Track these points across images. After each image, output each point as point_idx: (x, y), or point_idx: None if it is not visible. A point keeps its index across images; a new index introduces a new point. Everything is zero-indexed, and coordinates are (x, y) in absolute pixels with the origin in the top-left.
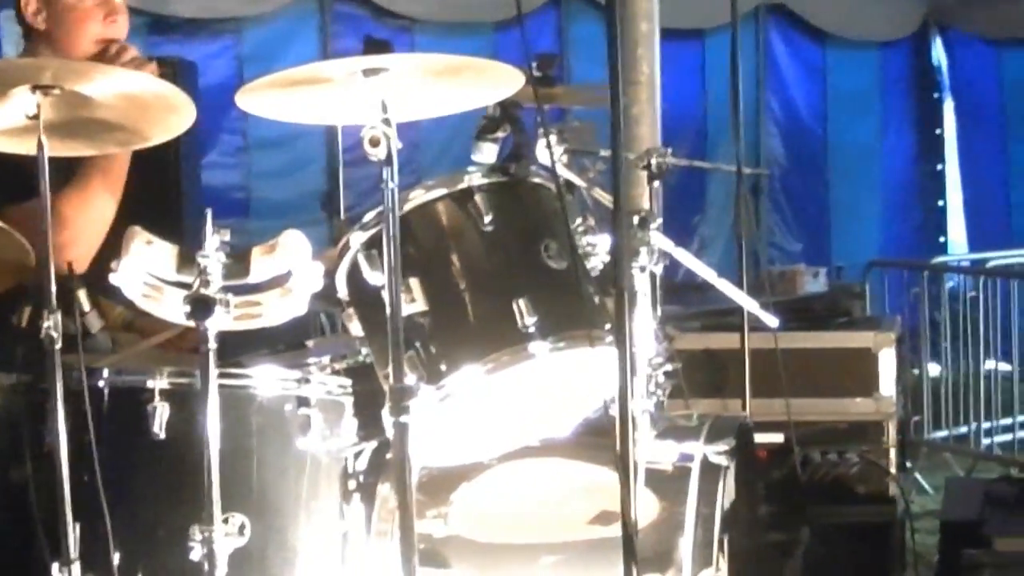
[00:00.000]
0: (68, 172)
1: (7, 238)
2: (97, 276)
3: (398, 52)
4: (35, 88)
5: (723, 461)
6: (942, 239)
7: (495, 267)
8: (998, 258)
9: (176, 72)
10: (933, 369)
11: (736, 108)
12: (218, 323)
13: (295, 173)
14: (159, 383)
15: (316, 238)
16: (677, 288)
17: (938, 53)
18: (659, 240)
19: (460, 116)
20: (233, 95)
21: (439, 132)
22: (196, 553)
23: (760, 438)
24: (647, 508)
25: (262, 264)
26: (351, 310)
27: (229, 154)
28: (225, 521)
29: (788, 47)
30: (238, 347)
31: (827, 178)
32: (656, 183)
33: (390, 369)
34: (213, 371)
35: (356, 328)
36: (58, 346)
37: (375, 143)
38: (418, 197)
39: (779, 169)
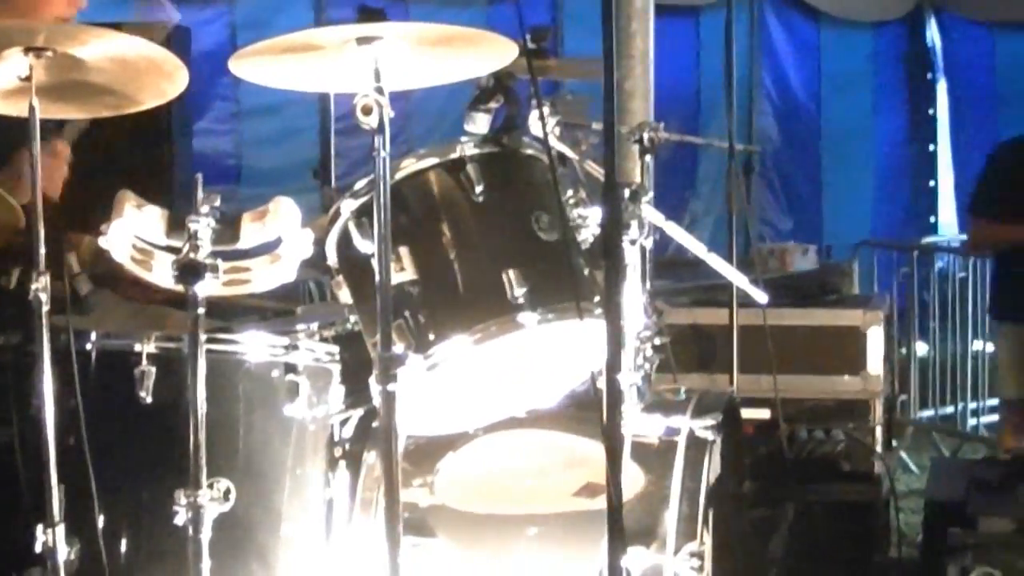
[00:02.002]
0: None
1: None
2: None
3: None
4: (28, 50)
5: (709, 436)
6: (932, 219)
7: (485, 237)
8: None
9: (169, 37)
10: (921, 349)
11: (730, 85)
12: (207, 288)
13: (287, 141)
14: (147, 347)
15: (307, 206)
16: (667, 263)
17: (932, 34)
18: (650, 214)
19: (452, 88)
20: (226, 62)
21: (431, 103)
22: (181, 517)
23: (747, 414)
24: (633, 481)
25: (252, 230)
26: (340, 278)
27: (221, 121)
28: (210, 486)
29: (783, 25)
30: (227, 313)
31: (819, 157)
32: (648, 157)
33: (378, 337)
34: (201, 336)
35: (345, 296)
36: (46, 308)
37: (367, 111)
38: (410, 166)
39: (771, 147)
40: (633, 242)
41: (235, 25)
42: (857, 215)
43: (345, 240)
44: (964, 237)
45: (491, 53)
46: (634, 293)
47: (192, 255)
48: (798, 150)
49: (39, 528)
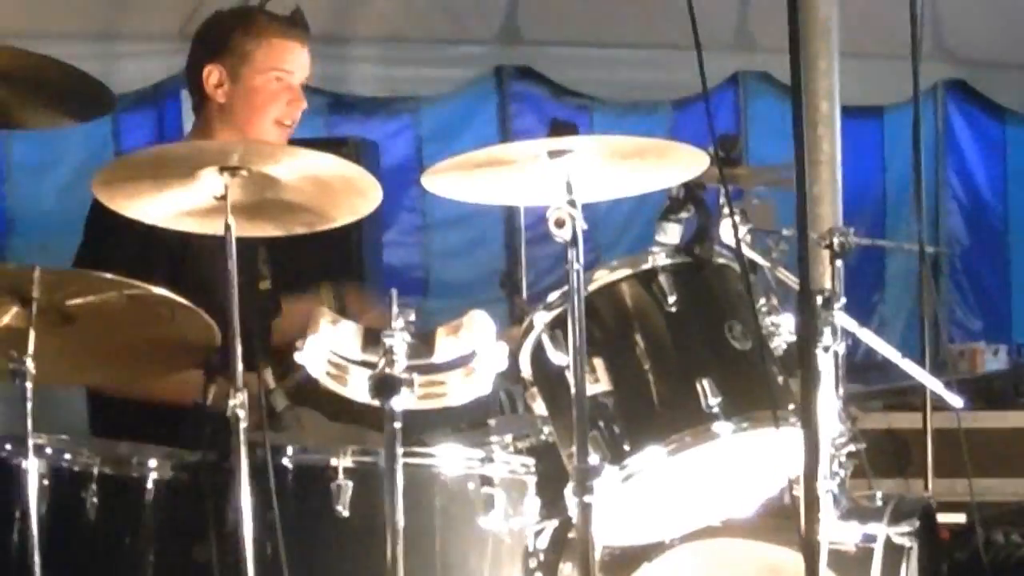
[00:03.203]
0: None
1: (193, 317)
2: (283, 355)
3: (579, 132)
4: (223, 170)
5: (906, 542)
6: None
7: (679, 347)
8: None
9: (359, 152)
10: None
11: (918, 185)
12: (403, 403)
13: (474, 252)
14: (343, 461)
15: (495, 317)
16: (857, 366)
17: None
18: (843, 320)
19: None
20: (412, 174)
21: (618, 210)
22: None
23: (942, 519)
24: None
25: (447, 344)
26: (534, 389)
27: (408, 233)
28: None
29: (968, 123)
30: (420, 424)
31: (1007, 255)
32: (838, 263)
33: (574, 449)
34: (398, 450)
35: (539, 407)
36: (244, 424)
37: (560, 224)
38: (602, 277)
39: (959, 246)
40: (826, 348)
41: (421, 137)
42: None
43: (539, 352)
44: None
45: (682, 163)
46: (828, 399)
47: (388, 370)
48: (985, 249)
49: None
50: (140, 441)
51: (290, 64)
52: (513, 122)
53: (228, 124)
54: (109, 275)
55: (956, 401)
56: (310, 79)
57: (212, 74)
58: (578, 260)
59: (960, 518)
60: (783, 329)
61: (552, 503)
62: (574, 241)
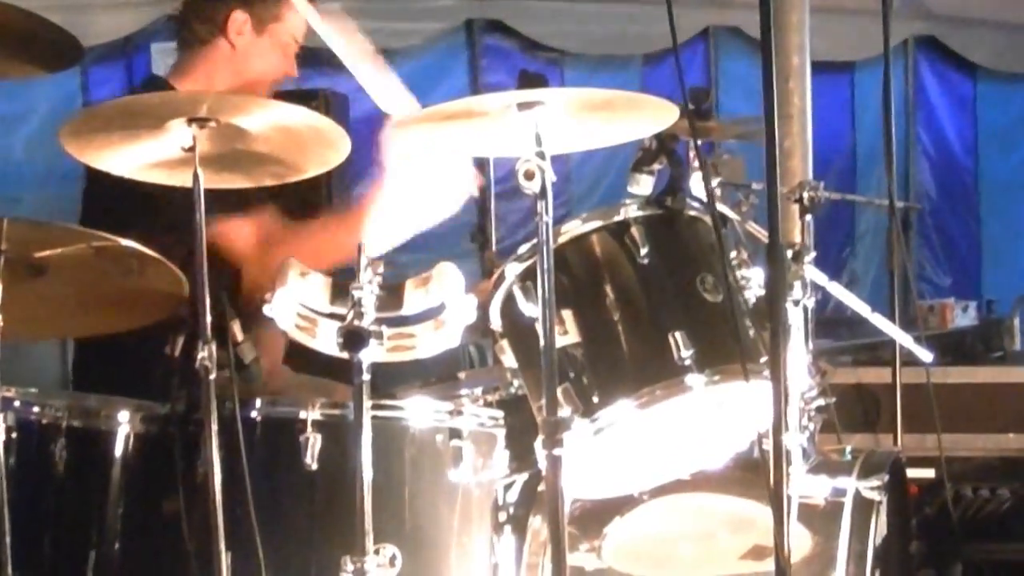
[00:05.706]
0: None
1: (162, 269)
2: (251, 307)
3: (550, 86)
4: (191, 121)
5: (876, 496)
6: None
7: (650, 300)
8: None
9: (328, 104)
10: None
11: (889, 141)
12: (371, 355)
13: None
14: (312, 414)
15: (465, 270)
16: (826, 321)
17: None
18: (813, 274)
19: (611, 148)
20: (382, 126)
21: (590, 163)
22: None
23: (911, 473)
24: (799, 543)
25: (416, 297)
26: (504, 342)
27: None
28: (376, 552)
29: (938, 80)
30: (390, 379)
31: (977, 211)
32: (808, 217)
33: (544, 401)
34: (366, 403)
35: (509, 360)
36: (212, 376)
37: (530, 176)
38: (574, 229)
39: (929, 202)
40: (796, 302)
41: None
42: (1018, 269)
43: (510, 304)
44: None
45: (651, 116)
46: (798, 353)
47: (356, 322)
48: (956, 205)
49: None
50: (127, 394)
51: (303, 38)
52: (484, 76)
53: (228, 68)
54: (77, 227)
55: (926, 356)
56: None
57: (239, 19)
58: (547, 212)
59: (929, 473)
60: (753, 283)
61: (522, 456)
62: (543, 193)
